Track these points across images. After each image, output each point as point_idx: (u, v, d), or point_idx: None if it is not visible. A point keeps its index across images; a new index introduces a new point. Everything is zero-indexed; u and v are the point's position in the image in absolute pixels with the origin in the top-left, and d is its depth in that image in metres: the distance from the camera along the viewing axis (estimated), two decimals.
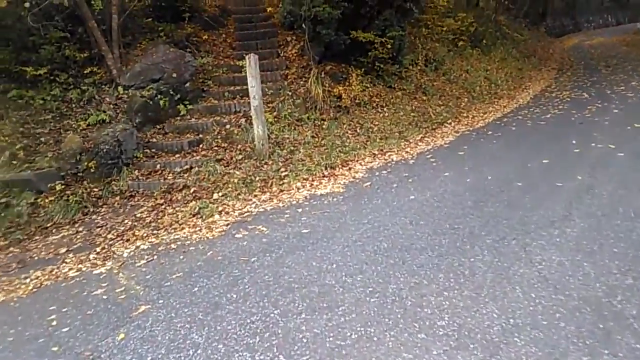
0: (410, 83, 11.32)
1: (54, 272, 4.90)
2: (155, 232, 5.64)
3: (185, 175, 7.35)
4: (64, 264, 5.11)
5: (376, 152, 7.99)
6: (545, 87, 13.82)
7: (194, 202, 6.32)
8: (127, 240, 5.51)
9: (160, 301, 3.88)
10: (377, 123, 9.37)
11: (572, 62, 19.73)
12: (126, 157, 7.73)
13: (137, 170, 7.68)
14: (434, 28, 13.43)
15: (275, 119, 8.52)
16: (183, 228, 5.57)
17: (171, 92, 8.79)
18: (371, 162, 7.49)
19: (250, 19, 12.17)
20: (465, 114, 10.59)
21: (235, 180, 6.73)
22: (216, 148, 8.00)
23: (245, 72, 9.75)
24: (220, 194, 6.46)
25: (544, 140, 7.97)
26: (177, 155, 7.98)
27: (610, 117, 9.02)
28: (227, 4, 12.74)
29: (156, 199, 6.86)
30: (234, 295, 3.80)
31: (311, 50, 9.75)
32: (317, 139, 8.27)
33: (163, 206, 6.54)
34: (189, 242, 5.13)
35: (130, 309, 3.82)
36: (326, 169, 7.15)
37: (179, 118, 8.90)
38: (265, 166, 7.22)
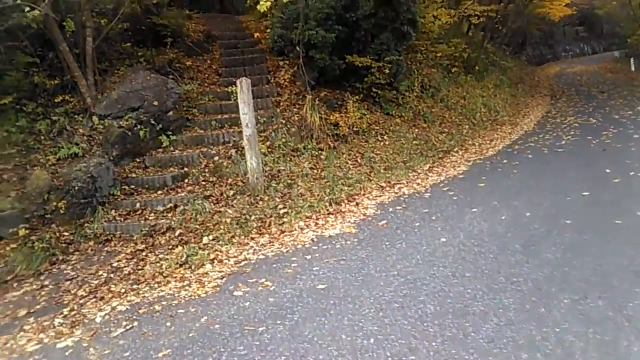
0: (409, 110, 10.68)
1: (7, 346, 3.91)
2: (135, 287, 4.69)
3: (169, 214, 6.44)
4: (22, 333, 4.12)
5: (383, 185, 7.21)
6: (545, 113, 13.38)
7: (180, 248, 5.41)
8: (101, 298, 4.55)
9: None
10: (378, 152, 8.64)
11: (562, 89, 19.51)
12: (101, 195, 6.80)
13: (113, 210, 6.75)
14: (427, 54, 12.92)
15: (269, 150, 7.72)
16: (168, 282, 4.64)
17: (152, 122, 7.93)
18: (380, 196, 6.70)
19: (236, 45, 11.48)
20: (470, 142, 9.95)
21: (228, 221, 5.85)
22: (204, 183, 7.13)
23: (235, 99, 9.02)
24: (210, 237, 5.56)
25: (571, 168, 7.36)
26: (159, 192, 7.07)
27: (635, 143, 8.45)
28: (211, 29, 12.04)
29: (136, 244, 5.93)
30: None
31: (306, 75, 9.03)
32: (316, 171, 7.47)
33: (144, 252, 5.60)
34: (176, 301, 4.19)
35: None
36: (330, 204, 6.34)
37: (161, 150, 8.02)
38: (260, 203, 6.36)
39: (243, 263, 4.84)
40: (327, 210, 6.17)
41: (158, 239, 5.90)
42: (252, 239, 5.47)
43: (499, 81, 16.52)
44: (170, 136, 8.11)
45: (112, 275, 5.13)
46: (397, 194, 6.79)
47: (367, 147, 8.75)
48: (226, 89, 9.63)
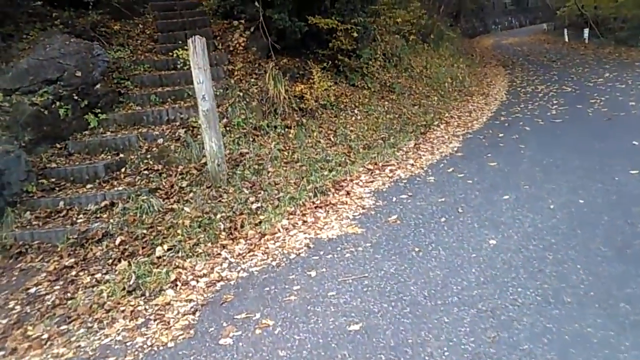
0: (375, 80, 9.54)
1: None
2: (64, 328, 3.29)
3: (105, 216, 4.98)
4: None
5: (370, 167, 6.06)
6: (509, 82, 12.73)
7: (124, 263, 4.01)
8: (13, 351, 3.11)
9: None
10: (352, 128, 7.47)
11: (510, 59, 19.12)
12: (11, 193, 5.22)
13: (29, 212, 5.20)
14: (387, 19, 11.78)
15: (227, 129, 6.33)
16: (114, 320, 3.27)
17: (75, 97, 6.31)
18: (372, 182, 5.56)
19: (172, 7, 9.81)
20: (447, 114, 9.01)
21: (186, 222, 4.49)
22: (146, 172, 5.68)
23: (180, 67, 7.53)
24: (165, 246, 4.19)
25: (588, 141, 6.51)
26: (89, 186, 5.55)
27: (638, 111, 7.77)
28: None
29: (61, 257, 4.46)
30: None
31: (268, 38, 7.62)
32: (286, 152, 6.20)
33: (73, 271, 4.16)
34: (130, 357, 2.85)
35: None
36: (315, 194, 5.11)
37: (87, 132, 6.44)
38: (225, 196, 5.03)
39: (219, 285, 3.53)
40: (313, 202, 4.95)
41: (91, 249, 4.45)
42: (224, 246, 4.16)
43: (454, 51, 15.75)
44: (99, 115, 6.53)
45: (28, 308, 3.67)
46: (392, 178, 5.67)
47: (338, 123, 7.55)
48: (165, 56, 8.08)
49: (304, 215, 4.67)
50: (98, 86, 6.64)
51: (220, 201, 4.94)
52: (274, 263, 3.78)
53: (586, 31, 23.28)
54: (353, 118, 7.84)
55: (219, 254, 4.04)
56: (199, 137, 6.07)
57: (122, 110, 6.80)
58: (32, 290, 3.95)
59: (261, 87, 7.29)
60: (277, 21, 7.68)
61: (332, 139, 7.01)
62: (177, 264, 3.88)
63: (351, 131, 7.33)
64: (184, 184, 5.31)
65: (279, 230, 4.38)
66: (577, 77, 11.98)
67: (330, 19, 8.16)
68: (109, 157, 5.99)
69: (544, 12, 42.67)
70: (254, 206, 4.87)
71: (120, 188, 5.39)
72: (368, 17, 9.07)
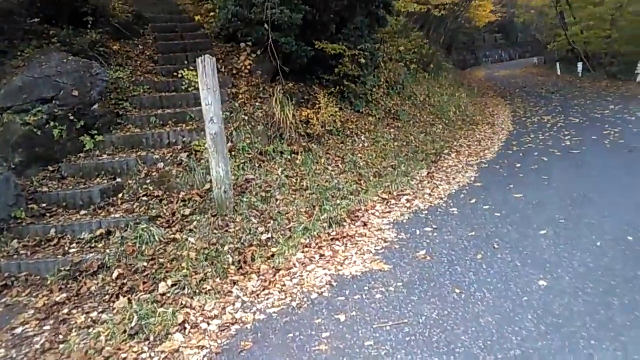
0: (379, 107, 9.30)
1: None
2: None
3: (100, 245, 4.58)
4: None
5: (384, 196, 5.74)
6: (512, 112, 12.61)
7: (123, 300, 3.59)
8: None
9: None
10: (360, 155, 7.17)
11: (506, 90, 19.14)
12: None
13: (16, 240, 4.77)
14: (390, 47, 11.67)
15: (231, 153, 5.98)
16: None
17: (71, 118, 5.95)
18: (389, 212, 5.23)
19: (173, 28, 9.60)
20: (455, 143, 8.77)
21: (191, 254, 4.09)
22: (145, 199, 5.30)
23: (182, 90, 7.23)
24: (169, 281, 3.77)
25: (617, 173, 6.24)
26: (83, 213, 5.15)
27: None
28: (142, 10, 10.01)
29: (51, 292, 4.03)
30: None
31: (277, 61, 7.35)
32: (294, 179, 5.86)
33: (65, 308, 3.73)
34: None
35: None
36: (330, 225, 4.75)
37: (82, 155, 6.07)
38: (232, 225, 4.65)
39: (234, 329, 3.13)
40: (328, 234, 4.58)
41: (85, 283, 4.03)
42: (234, 282, 3.76)
43: (452, 81, 15.68)
44: (96, 136, 6.17)
45: (14, 351, 3.22)
46: (410, 208, 5.34)
47: (345, 150, 7.25)
48: (165, 77, 7.79)
49: (320, 248, 4.30)
50: (95, 106, 6.29)
51: (227, 231, 4.55)
52: (293, 303, 3.39)
53: (579, 65, 23.59)
54: (360, 145, 7.55)
55: (230, 291, 3.64)
56: (202, 161, 5.73)
57: (119, 132, 6.44)
58: (19, 330, 3.51)
59: (266, 111, 6.99)
60: (283, 45, 7.43)
61: (340, 165, 6.69)
62: (183, 302, 3.47)
63: (360, 158, 7.04)
64: (187, 211, 4.93)
65: (294, 264, 4.00)
66: (581, 109, 11.87)
67: (338, 44, 7.95)
68: (105, 181, 5.60)
69: (533, 46, 43.59)
70: (263, 237, 4.50)
71: (117, 215, 4.99)
72: (374, 43, 8.89)
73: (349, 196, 5.58)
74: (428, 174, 6.78)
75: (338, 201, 5.38)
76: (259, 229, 4.63)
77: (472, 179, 6.49)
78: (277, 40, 7.41)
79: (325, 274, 3.79)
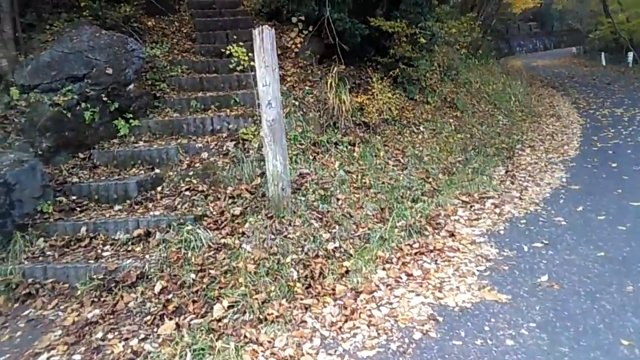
0: (434, 95, 8.45)
1: None
2: None
3: (138, 249, 3.91)
4: None
5: (466, 199, 4.94)
6: (573, 104, 11.58)
7: (170, 325, 2.91)
8: None
9: None
10: (420, 148, 6.38)
11: (553, 81, 17.94)
12: (21, 213, 4.19)
13: (42, 239, 4.15)
14: (441, 30, 10.73)
15: None
16: None
17: (104, 99, 5.29)
18: (477, 220, 4.45)
19: (211, 4, 8.85)
20: (524, 136, 7.89)
21: (249, 266, 3.38)
22: (188, 194, 4.62)
23: (219, 71, 6.53)
24: (225, 302, 3.07)
25: None
26: (117, 208, 4.49)
27: None
28: None
29: (82, 306, 3.38)
30: None
31: (335, 39, 6.53)
32: (354, 175, 5.11)
33: (99, 331, 3.06)
34: None
35: None
36: (410, 235, 3.99)
37: (116, 141, 5.43)
38: (291, 230, 3.93)
39: None
40: (410, 246, 3.83)
41: (123, 297, 3.36)
42: (307, 308, 3.04)
43: (500, 68, 14.65)
44: (131, 121, 5.51)
45: None
46: (502, 215, 4.54)
47: (403, 141, 6.46)
48: (205, 57, 7.08)
49: (404, 264, 3.55)
50: (131, 87, 5.62)
51: (286, 237, 3.84)
52: (392, 346, 2.65)
53: (630, 55, 22.20)
54: (420, 136, 6.75)
55: (304, 320, 2.92)
56: (251, 152, 5.03)
57: (157, 116, 5.77)
58: (43, 357, 2.86)
59: (317, 96, 6.24)
60: (336, 22, 6.64)
61: (401, 160, 5.91)
62: (247, 333, 2.76)
63: (421, 152, 6.23)
64: (237, 210, 4.22)
65: (377, 286, 3.27)
66: None
67: (396, 22, 7.11)
68: (143, 172, 4.95)
69: (569, 35, 41.83)
70: (330, 246, 3.77)
71: (156, 213, 4.32)
72: (435, 21, 8.03)
73: (422, 197, 4.81)
74: (507, 172, 5.95)
75: (409, 203, 4.62)
76: (323, 235, 3.90)
77: (565, 180, 5.63)
78: (329, 17, 6.62)
79: (423, 303, 3.04)
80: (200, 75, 6.60)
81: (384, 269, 3.50)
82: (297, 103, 5.90)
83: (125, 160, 5.09)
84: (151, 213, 4.32)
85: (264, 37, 3.96)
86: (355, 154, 5.61)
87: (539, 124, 9.08)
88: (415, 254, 3.72)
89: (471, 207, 4.77)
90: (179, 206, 4.40)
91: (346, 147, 5.75)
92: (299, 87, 6.38)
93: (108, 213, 4.40)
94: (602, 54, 26.59)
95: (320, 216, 4.26)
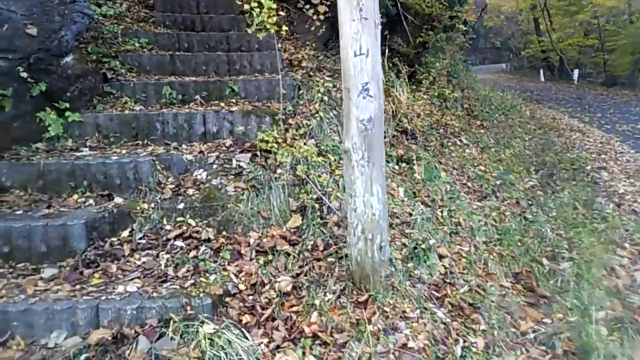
0: (451, 99, 6.86)
1: None
2: None
3: None
4: None
5: (622, 252, 3.26)
6: (572, 117, 10.49)
7: None
8: None
9: None
10: (476, 165, 4.71)
11: (524, 96, 17.33)
12: None
13: None
14: None
15: (318, 155, 3.33)
16: None
17: (22, 75, 3.09)
18: None
19: None
20: (574, 155, 6.44)
21: None
22: (181, 245, 2.58)
23: (193, 49, 4.54)
24: None
25: None
26: (47, 276, 2.38)
27: None
28: None
29: None
30: None
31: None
32: (437, 211, 3.29)
33: None
34: None
35: None
36: (632, 336, 2.23)
37: (43, 145, 3.25)
38: (401, 324, 2.02)
39: None
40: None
41: None
42: None
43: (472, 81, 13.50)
44: (68, 113, 3.35)
45: None
46: None
47: (453, 157, 4.75)
48: (170, 30, 5.05)
49: None
50: (69, 59, 3.46)
51: (405, 347, 1.94)
52: None
53: (576, 72, 22.47)
54: (467, 150, 5.07)
55: None
56: (278, 171, 3.07)
57: (111, 108, 3.63)
58: None
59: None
60: None
61: (471, 184, 4.18)
62: None
63: (483, 171, 4.55)
64: (285, 283, 2.27)
65: None
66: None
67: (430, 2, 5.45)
68: (92, 202, 2.83)
69: (492, 52, 43.13)
70: None
71: (130, 288, 2.26)
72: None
73: (562, 252, 3.08)
74: (619, 206, 4.38)
75: (545, 261, 2.87)
76: (451, 332, 2.05)
77: None
78: None
79: None
80: (169, 53, 4.52)
81: None
82: (326, 99, 4.01)
83: (60, 181, 2.93)
84: (119, 289, 2.25)
85: None
86: (416, 175, 3.79)
87: (568, 138, 7.77)
88: None
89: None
90: (170, 271, 2.37)
91: (397, 164, 3.94)
92: (319, 76, 4.49)
93: (31, 288, 2.27)
94: (541, 70, 27.19)
95: (427, 291, 2.40)
